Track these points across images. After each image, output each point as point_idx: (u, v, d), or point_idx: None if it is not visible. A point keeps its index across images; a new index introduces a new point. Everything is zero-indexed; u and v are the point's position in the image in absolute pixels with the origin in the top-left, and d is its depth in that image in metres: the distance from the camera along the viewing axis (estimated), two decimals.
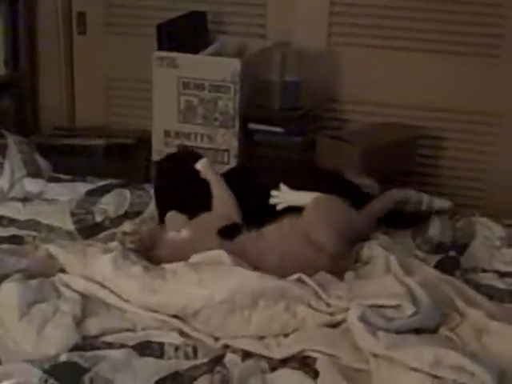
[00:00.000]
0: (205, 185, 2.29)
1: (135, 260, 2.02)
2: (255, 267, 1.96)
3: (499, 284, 2.11)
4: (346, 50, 3.37)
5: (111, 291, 1.95)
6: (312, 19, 3.37)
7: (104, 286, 1.97)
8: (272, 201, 2.26)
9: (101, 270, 1.98)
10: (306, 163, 3.09)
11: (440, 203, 2.43)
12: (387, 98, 3.37)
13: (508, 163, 3.33)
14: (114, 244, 2.17)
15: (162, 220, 2.31)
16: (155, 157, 3.16)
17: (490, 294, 2.03)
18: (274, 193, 2.26)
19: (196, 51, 3.15)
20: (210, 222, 2.14)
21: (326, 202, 2.18)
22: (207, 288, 1.88)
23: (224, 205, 2.22)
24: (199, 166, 2.30)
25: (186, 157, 2.49)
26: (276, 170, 2.52)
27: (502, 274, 2.16)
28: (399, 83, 3.35)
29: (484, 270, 2.19)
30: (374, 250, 2.08)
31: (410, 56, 3.32)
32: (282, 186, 2.27)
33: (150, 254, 2.09)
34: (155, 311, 1.90)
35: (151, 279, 1.94)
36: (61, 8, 3.59)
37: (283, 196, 2.26)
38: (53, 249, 2.11)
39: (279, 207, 2.25)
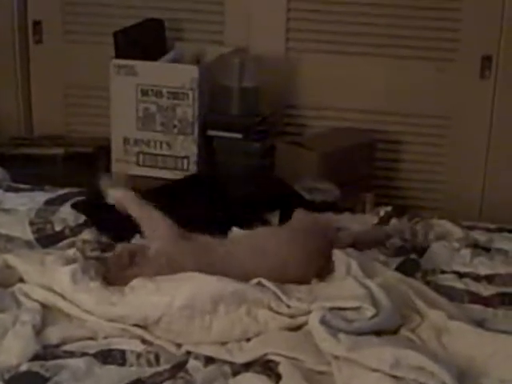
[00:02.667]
0: None
1: (94, 276, 2.00)
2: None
3: (458, 284, 2.12)
4: (303, 56, 3.39)
5: (70, 302, 1.94)
6: (269, 25, 3.39)
7: (63, 297, 1.95)
8: None
9: (59, 282, 1.97)
10: (263, 171, 3.10)
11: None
12: (345, 103, 3.39)
13: (460, 165, 3.37)
14: (71, 251, 2.15)
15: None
16: (114, 165, 3.15)
17: (450, 294, 2.04)
18: None
19: (153, 59, 3.15)
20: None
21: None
22: (165, 295, 1.87)
23: (163, 227, 2.10)
24: (112, 199, 2.18)
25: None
26: (234, 179, 2.51)
27: (461, 275, 2.18)
28: (356, 88, 3.38)
29: (443, 272, 2.21)
30: (336, 255, 2.09)
31: (366, 61, 3.34)
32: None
33: (123, 273, 2.01)
34: (116, 322, 1.89)
35: (109, 293, 1.93)
36: (16, 17, 3.56)
37: None
38: (10, 258, 2.08)
39: None
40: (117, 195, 2.18)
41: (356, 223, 2.37)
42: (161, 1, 3.43)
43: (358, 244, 2.22)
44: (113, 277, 2.02)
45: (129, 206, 2.14)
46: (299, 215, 2.21)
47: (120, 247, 2.09)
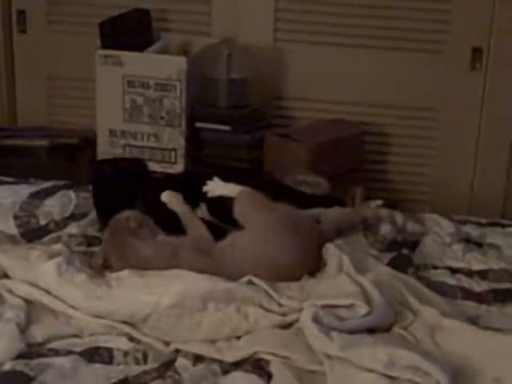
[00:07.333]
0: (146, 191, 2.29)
1: (79, 267, 1.96)
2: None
3: (451, 280, 2.10)
4: (292, 47, 3.35)
5: (56, 297, 1.90)
6: (257, 16, 3.34)
7: (48, 292, 1.91)
8: (204, 188, 2.30)
9: (44, 276, 1.93)
10: (251, 166, 3.06)
11: (413, 227, 2.40)
12: (334, 94, 3.36)
13: (450, 158, 3.35)
14: (57, 246, 2.12)
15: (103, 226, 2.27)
16: (100, 157, 3.10)
17: (443, 290, 2.02)
18: (208, 182, 2.31)
19: (140, 49, 3.10)
20: (188, 242, 2.07)
21: (248, 193, 2.22)
22: (154, 293, 1.83)
23: (196, 231, 2.17)
24: (165, 198, 2.24)
25: (127, 161, 2.47)
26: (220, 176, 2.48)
27: (454, 270, 2.16)
28: (345, 80, 3.34)
29: (435, 267, 2.18)
30: (328, 250, 2.05)
31: (355, 52, 3.31)
32: (215, 178, 2.31)
33: (124, 237, 2.01)
34: (102, 318, 1.85)
35: (95, 286, 1.89)
36: (0, 6, 3.50)
37: (214, 185, 2.30)
38: None
39: (209, 195, 2.29)
40: (167, 194, 2.24)
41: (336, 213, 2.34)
42: None
43: (340, 232, 2.22)
44: (113, 239, 2.02)
45: (175, 205, 2.20)
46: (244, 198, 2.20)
47: (131, 212, 2.08)
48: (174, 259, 1.96)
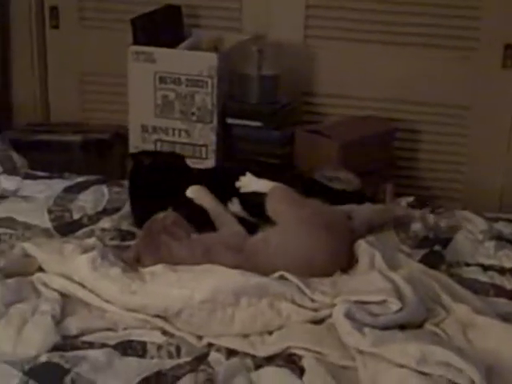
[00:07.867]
0: (184, 185, 2.28)
1: (113, 261, 1.98)
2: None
3: (483, 277, 2.09)
4: (323, 44, 3.36)
5: (90, 291, 1.92)
6: (288, 12, 3.35)
7: (83, 286, 1.93)
8: (237, 184, 2.30)
9: (78, 270, 1.94)
10: (281, 162, 3.07)
11: (446, 222, 2.40)
12: (365, 91, 3.36)
13: (481, 155, 3.34)
14: (91, 240, 2.13)
15: (137, 221, 2.29)
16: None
17: (474, 287, 2.01)
18: (241, 178, 2.31)
19: (171, 45, 3.12)
20: (221, 239, 2.09)
21: (281, 189, 2.21)
22: (186, 288, 1.84)
23: (227, 226, 2.17)
24: (191, 194, 2.26)
25: (165, 155, 2.49)
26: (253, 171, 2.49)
27: (486, 268, 2.15)
28: (376, 76, 3.34)
29: (467, 264, 2.17)
30: (360, 247, 2.06)
31: (386, 49, 3.31)
32: (248, 174, 2.32)
33: (159, 235, 2.02)
34: (136, 311, 1.87)
35: (130, 280, 1.90)
36: (33, 2, 3.54)
37: (247, 181, 2.30)
38: (29, 247, 2.06)
39: (242, 190, 2.30)
40: (193, 189, 2.26)
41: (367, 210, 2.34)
42: None
43: (372, 229, 2.22)
44: (149, 240, 2.03)
45: (203, 200, 2.23)
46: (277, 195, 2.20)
47: (167, 212, 2.09)
48: (207, 259, 1.96)
